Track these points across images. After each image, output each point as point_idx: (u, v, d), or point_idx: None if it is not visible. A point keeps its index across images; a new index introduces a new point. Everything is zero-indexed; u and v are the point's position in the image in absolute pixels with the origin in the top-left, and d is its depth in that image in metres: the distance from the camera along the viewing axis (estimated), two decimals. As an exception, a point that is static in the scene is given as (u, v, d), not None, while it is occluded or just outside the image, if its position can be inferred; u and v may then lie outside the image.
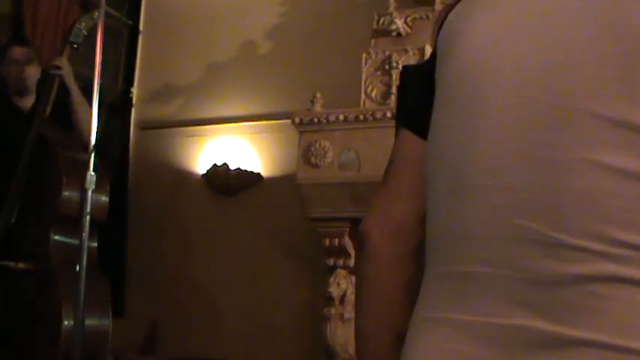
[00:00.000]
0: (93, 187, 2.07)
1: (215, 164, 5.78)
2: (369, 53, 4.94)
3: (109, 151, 4.94)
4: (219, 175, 5.76)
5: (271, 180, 5.69)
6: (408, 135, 1.27)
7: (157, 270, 5.88)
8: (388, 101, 4.77)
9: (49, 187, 3.21)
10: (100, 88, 5.49)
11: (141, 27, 6.10)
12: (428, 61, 1.28)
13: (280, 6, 5.89)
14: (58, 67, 3.45)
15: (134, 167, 6.13)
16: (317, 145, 4.79)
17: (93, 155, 2.15)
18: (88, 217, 2.11)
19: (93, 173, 2.11)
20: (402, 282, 1.26)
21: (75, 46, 3.52)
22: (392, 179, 1.29)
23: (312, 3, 5.79)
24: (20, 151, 3.31)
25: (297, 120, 4.88)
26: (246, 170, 5.71)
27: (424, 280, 1.16)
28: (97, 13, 3.45)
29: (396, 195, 1.28)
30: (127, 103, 6.02)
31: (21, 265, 3.21)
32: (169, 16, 6.08)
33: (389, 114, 4.60)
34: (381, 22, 4.95)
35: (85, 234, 2.10)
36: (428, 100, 1.19)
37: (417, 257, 1.23)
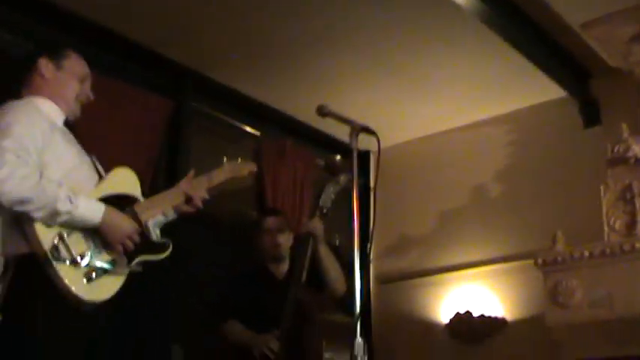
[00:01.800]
0: (362, 353, 2.10)
1: (458, 312, 5.69)
2: (606, 184, 4.74)
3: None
4: (463, 323, 5.66)
5: (516, 324, 5.49)
6: None
7: None
8: (634, 232, 4.51)
9: (310, 351, 3.29)
10: (339, 247, 5.73)
11: (371, 183, 6.29)
12: None
13: (507, 147, 5.88)
14: (311, 228, 3.60)
15: (376, 321, 6.17)
16: (564, 285, 4.59)
17: (359, 322, 2.18)
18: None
19: (360, 339, 2.13)
20: None
21: (324, 210, 3.66)
22: None
23: (539, 140, 5.73)
24: (278, 317, 3.45)
25: (539, 261, 4.72)
26: (489, 316, 5.57)
27: None
28: (342, 177, 3.61)
29: None
30: (364, 258, 6.13)
31: None
32: (398, 171, 6.23)
33: (638, 245, 4.36)
34: (615, 150, 4.76)
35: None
36: None
37: None
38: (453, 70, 5.31)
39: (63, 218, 2.22)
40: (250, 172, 3.18)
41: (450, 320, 5.75)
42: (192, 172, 2.82)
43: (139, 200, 2.56)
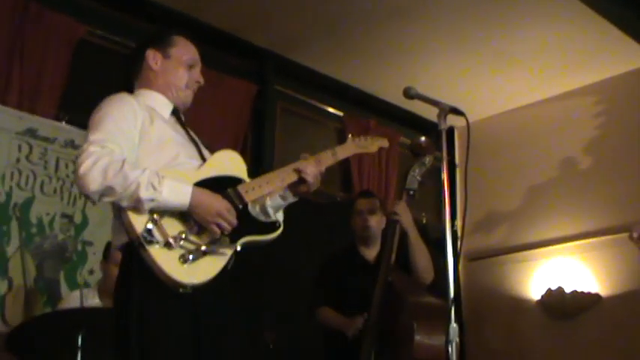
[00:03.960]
0: (456, 338, 2.07)
1: (549, 288, 5.60)
2: None
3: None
4: (555, 299, 5.55)
5: (611, 299, 5.36)
6: None
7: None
8: None
9: (401, 333, 3.28)
10: (426, 225, 5.68)
11: (457, 160, 6.21)
12: None
13: (596, 118, 5.72)
14: (396, 213, 3.58)
15: (467, 299, 6.12)
16: (660, 259, 4.46)
17: (453, 306, 2.14)
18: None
19: (455, 325, 2.10)
20: None
21: (411, 192, 3.62)
22: None
23: (628, 109, 5.55)
24: (369, 300, 3.41)
25: (635, 235, 4.59)
26: (582, 292, 5.45)
27: None
28: (427, 159, 3.57)
29: None
30: (452, 237, 6.08)
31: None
32: (483, 146, 6.14)
33: None
34: None
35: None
36: None
37: None
38: (538, 42, 5.18)
39: (148, 205, 2.15)
40: (381, 147, 2.94)
41: (542, 296, 5.66)
42: (306, 154, 2.56)
43: (244, 181, 2.43)
